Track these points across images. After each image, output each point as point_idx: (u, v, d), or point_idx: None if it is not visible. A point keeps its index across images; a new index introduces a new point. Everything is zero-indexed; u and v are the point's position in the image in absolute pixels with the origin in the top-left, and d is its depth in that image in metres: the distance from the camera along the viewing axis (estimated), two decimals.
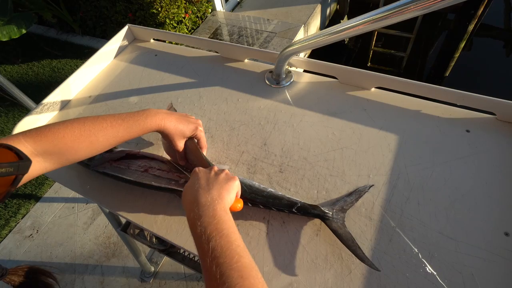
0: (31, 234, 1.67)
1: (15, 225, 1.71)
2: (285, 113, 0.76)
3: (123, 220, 1.16)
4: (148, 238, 1.08)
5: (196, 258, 1.07)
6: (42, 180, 1.84)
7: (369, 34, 3.99)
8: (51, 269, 0.49)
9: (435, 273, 0.52)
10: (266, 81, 0.84)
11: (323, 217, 0.57)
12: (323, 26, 3.58)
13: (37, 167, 0.47)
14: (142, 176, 0.65)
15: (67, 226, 1.66)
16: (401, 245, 0.55)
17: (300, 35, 2.93)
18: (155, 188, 0.64)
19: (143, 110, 0.57)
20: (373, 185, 0.62)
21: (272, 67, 0.85)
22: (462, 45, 3.68)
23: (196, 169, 0.54)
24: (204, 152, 0.65)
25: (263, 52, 0.85)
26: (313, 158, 0.67)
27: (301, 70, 0.88)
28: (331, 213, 0.57)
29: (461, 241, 0.55)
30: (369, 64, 4.21)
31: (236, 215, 0.62)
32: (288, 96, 0.80)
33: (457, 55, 3.76)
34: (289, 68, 0.85)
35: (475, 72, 4.03)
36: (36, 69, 2.70)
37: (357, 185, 0.63)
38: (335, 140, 0.70)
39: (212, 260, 0.39)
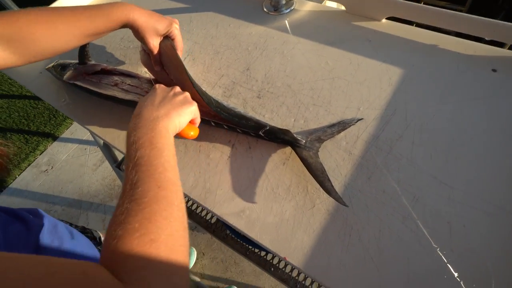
0: (46, 170, 1.75)
1: (34, 160, 1.80)
2: (277, 40, 0.67)
3: (120, 157, 1.15)
4: None
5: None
6: (60, 121, 1.90)
7: None
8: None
9: (417, 219, 0.43)
10: (264, 8, 0.75)
11: (294, 144, 0.49)
12: None
13: None
14: (109, 89, 0.61)
15: (78, 166, 1.72)
16: (381, 184, 0.46)
17: None
18: (120, 102, 0.59)
19: (110, 2, 0.51)
20: (362, 118, 0.53)
21: None
22: None
23: (156, 85, 0.49)
24: (180, 55, 0.58)
25: None
26: (297, 86, 0.59)
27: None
28: (304, 141, 0.49)
29: (458, 189, 0.45)
30: None
31: (200, 136, 0.55)
32: (286, 23, 0.70)
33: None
34: None
35: None
36: None
37: (342, 117, 0.53)
38: (327, 69, 0.60)
39: (134, 167, 0.35)
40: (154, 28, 0.53)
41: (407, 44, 0.61)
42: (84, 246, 0.61)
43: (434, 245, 0.41)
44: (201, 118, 0.50)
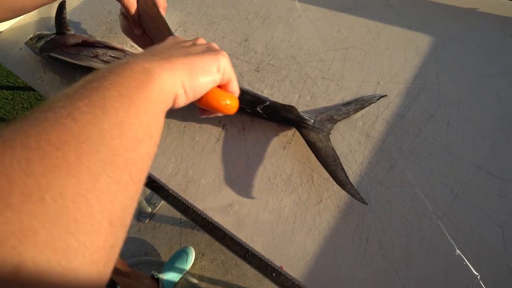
0: None
1: None
2: (282, 8, 0.57)
3: None
4: None
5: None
6: None
7: None
8: None
9: (457, 221, 0.33)
10: None
11: (299, 124, 0.39)
12: None
13: None
14: (87, 61, 0.52)
15: None
16: (408, 176, 0.36)
17: None
18: None
19: None
20: (385, 95, 0.42)
21: None
22: None
23: (171, 37, 0.35)
24: (163, 14, 0.49)
25: None
26: (304, 57, 0.49)
27: None
28: (313, 120, 0.39)
29: (511, 182, 0.34)
30: None
31: (185, 115, 0.46)
32: None
33: None
34: None
35: None
36: None
37: (358, 93, 0.43)
38: (341, 38, 0.50)
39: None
40: None
41: (439, 8, 0.50)
42: None
43: (481, 257, 0.30)
44: None
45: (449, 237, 0.32)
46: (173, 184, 0.40)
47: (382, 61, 0.46)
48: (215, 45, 0.32)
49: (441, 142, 0.37)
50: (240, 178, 0.39)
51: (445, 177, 0.35)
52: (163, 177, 0.41)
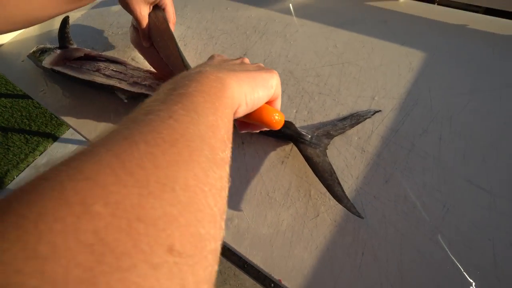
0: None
1: (33, 161, 1.76)
2: (279, 23, 0.59)
3: None
4: None
5: None
6: (61, 122, 1.86)
7: None
8: None
9: (449, 234, 0.34)
10: None
11: (297, 140, 0.41)
12: None
13: None
14: (89, 75, 0.53)
15: None
16: (402, 190, 0.37)
17: None
18: (100, 88, 0.52)
19: None
20: (380, 110, 0.44)
21: None
22: None
23: (215, 54, 0.37)
24: (172, 29, 0.51)
25: None
26: (301, 72, 0.50)
27: None
28: (310, 136, 0.41)
29: (500, 196, 0.35)
30: None
31: None
32: (290, 6, 0.62)
33: None
34: None
35: None
36: None
37: (354, 108, 0.45)
38: (336, 53, 0.51)
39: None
40: None
41: (430, 25, 0.52)
42: None
43: (472, 270, 0.32)
44: None
45: (441, 251, 0.33)
46: None
47: (377, 77, 0.47)
48: (262, 65, 0.34)
49: (434, 156, 0.39)
50: (239, 192, 0.40)
51: (438, 191, 0.37)
52: None
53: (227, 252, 0.94)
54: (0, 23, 0.39)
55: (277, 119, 0.32)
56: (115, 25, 0.70)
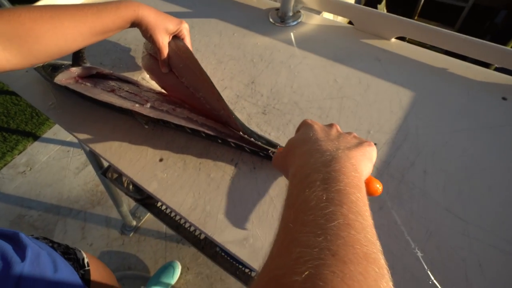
0: (24, 171, 1.65)
1: (11, 160, 1.70)
2: (284, 53, 0.64)
3: (106, 164, 1.09)
4: (125, 185, 1.01)
5: (173, 214, 0.99)
6: (43, 120, 1.81)
7: None
8: None
9: (430, 256, 0.40)
10: (270, 19, 0.72)
11: None
12: None
13: None
14: (106, 96, 0.56)
15: (59, 169, 1.63)
16: (393, 216, 0.43)
17: None
18: (116, 110, 0.55)
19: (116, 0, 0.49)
20: (375, 143, 0.50)
21: (279, 5, 0.73)
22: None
23: (308, 120, 0.39)
24: None
25: None
26: (305, 104, 0.56)
27: (319, 13, 0.75)
28: None
29: (473, 224, 0.42)
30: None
31: (201, 153, 0.52)
32: (292, 36, 0.68)
33: None
34: (300, 9, 0.73)
35: None
36: None
37: None
38: (336, 87, 0.57)
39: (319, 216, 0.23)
40: (164, 26, 0.51)
41: (417, 66, 0.59)
42: (67, 277, 0.54)
43: (448, 285, 0.38)
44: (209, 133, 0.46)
45: (425, 268, 0.40)
46: (193, 218, 0.45)
47: (372, 112, 0.54)
48: (355, 134, 0.37)
49: (420, 187, 0.46)
50: (253, 215, 0.45)
51: (422, 218, 0.43)
52: (182, 211, 0.46)
53: (220, 259, 0.98)
54: (34, 56, 0.42)
55: (378, 188, 0.36)
56: (121, 41, 0.72)
